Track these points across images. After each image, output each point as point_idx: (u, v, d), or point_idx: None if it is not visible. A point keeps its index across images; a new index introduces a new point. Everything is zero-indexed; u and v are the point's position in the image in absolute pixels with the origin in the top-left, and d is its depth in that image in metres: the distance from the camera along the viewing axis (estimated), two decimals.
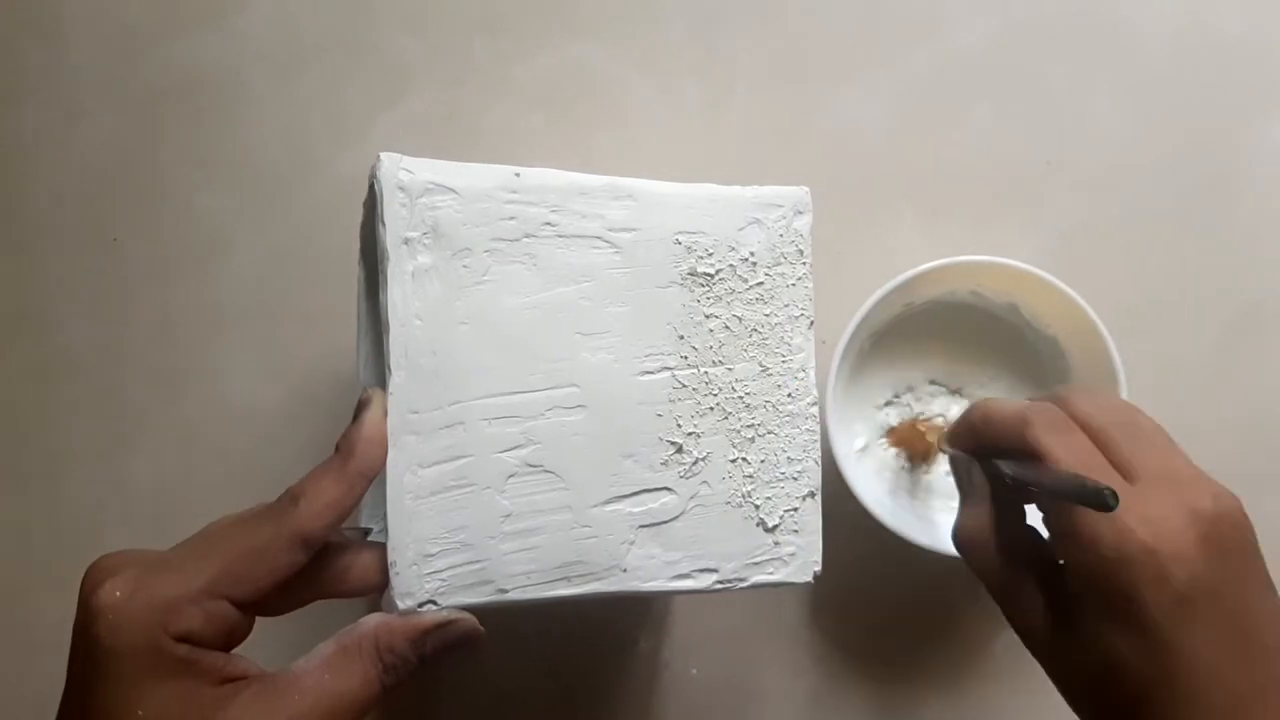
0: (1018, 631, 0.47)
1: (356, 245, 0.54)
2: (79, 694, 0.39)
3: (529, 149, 0.67)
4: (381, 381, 0.55)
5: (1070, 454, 0.44)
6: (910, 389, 0.65)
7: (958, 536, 0.49)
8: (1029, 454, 0.45)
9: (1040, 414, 0.46)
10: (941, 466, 0.65)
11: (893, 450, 0.65)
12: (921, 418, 0.66)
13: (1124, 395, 0.58)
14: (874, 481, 0.63)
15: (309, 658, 0.40)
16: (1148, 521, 0.41)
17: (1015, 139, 0.67)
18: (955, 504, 0.63)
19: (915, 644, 0.66)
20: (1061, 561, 0.46)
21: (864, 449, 0.64)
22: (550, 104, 0.68)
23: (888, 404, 0.65)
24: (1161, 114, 0.67)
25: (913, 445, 0.65)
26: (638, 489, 0.46)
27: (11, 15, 0.70)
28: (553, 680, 0.65)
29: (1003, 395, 0.65)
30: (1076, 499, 0.41)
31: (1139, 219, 0.66)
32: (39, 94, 0.69)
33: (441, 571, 0.42)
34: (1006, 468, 0.47)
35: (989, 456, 0.49)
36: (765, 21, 0.68)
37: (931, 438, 0.64)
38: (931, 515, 0.63)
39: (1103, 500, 0.39)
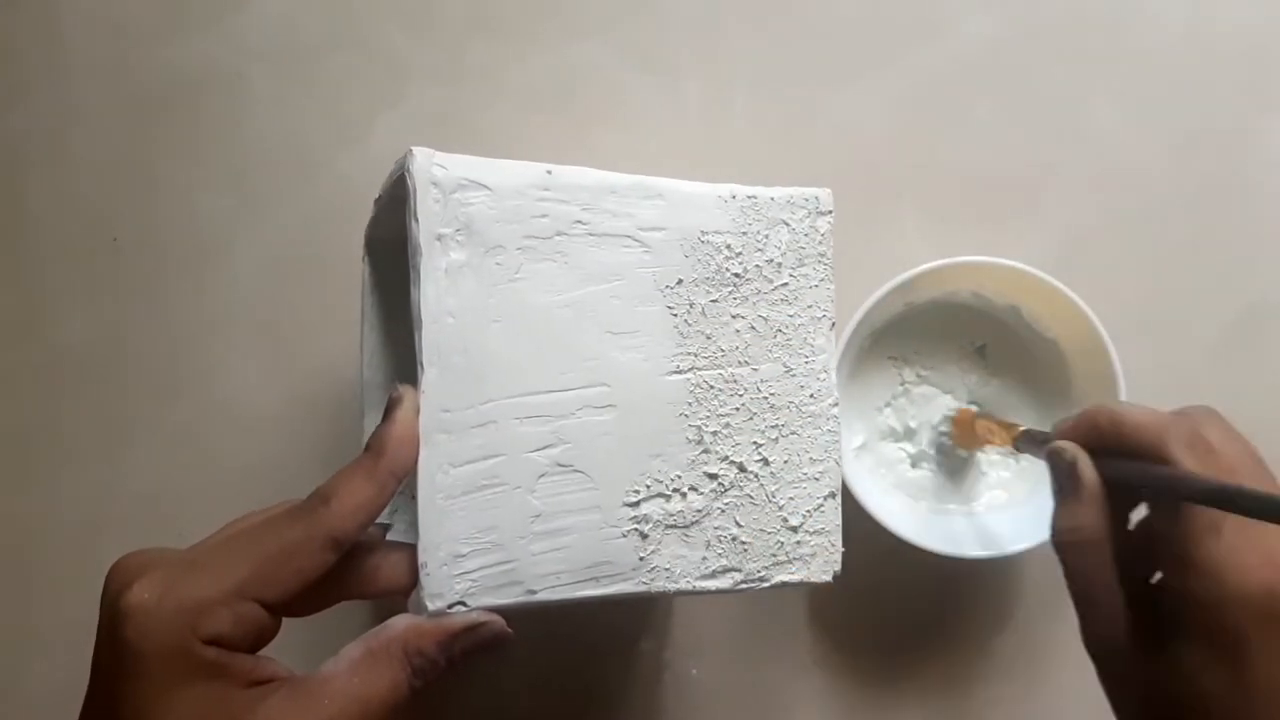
0: (1094, 643, 0.45)
1: (358, 244, 0.54)
2: (104, 696, 0.38)
3: (529, 149, 0.67)
4: (387, 379, 0.54)
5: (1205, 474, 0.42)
6: (907, 389, 0.66)
7: (1060, 533, 0.46)
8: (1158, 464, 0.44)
9: (1179, 428, 0.44)
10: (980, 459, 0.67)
11: (895, 446, 0.65)
12: (980, 412, 0.65)
13: (1123, 398, 0.59)
14: (872, 481, 0.63)
15: (337, 660, 0.40)
16: (1271, 562, 0.40)
17: (1016, 139, 0.68)
18: (950, 505, 0.64)
19: (915, 644, 0.66)
20: (1160, 580, 0.45)
21: (862, 447, 0.64)
22: (550, 104, 0.68)
23: (887, 405, 0.66)
24: (1162, 114, 0.68)
25: (968, 435, 0.64)
26: (665, 489, 0.46)
27: (11, 15, 0.69)
28: (553, 680, 0.64)
29: (1001, 398, 0.66)
30: (1237, 506, 0.39)
31: (1139, 220, 0.67)
32: (39, 94, 0.69)
33: (472, 572, 0.42)
34: (1138, 470, 0.44)
35: (1109, 455, 0.46)
36: (766, 21, 0.68)
37: (995, 436, 0.60)
38: (928, 515, 0.64)
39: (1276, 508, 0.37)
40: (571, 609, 0.45)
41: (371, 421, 0.54)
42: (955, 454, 0.65)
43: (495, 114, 0.68)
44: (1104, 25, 0.68)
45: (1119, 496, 0.46)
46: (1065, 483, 0.46)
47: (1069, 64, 0.68)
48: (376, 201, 0.50)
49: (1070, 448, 0.46)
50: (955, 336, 0.66)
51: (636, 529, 0.45)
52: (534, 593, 0.43)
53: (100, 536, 0.65)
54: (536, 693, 0.64)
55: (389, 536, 0.48)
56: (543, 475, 0.43)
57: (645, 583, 0.45)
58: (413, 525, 0.50)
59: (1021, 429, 0.56)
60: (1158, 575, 0.46)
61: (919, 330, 0.65)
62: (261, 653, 0.40)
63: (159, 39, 0.68)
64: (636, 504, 0.45)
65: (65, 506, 0.66)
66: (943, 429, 0.65)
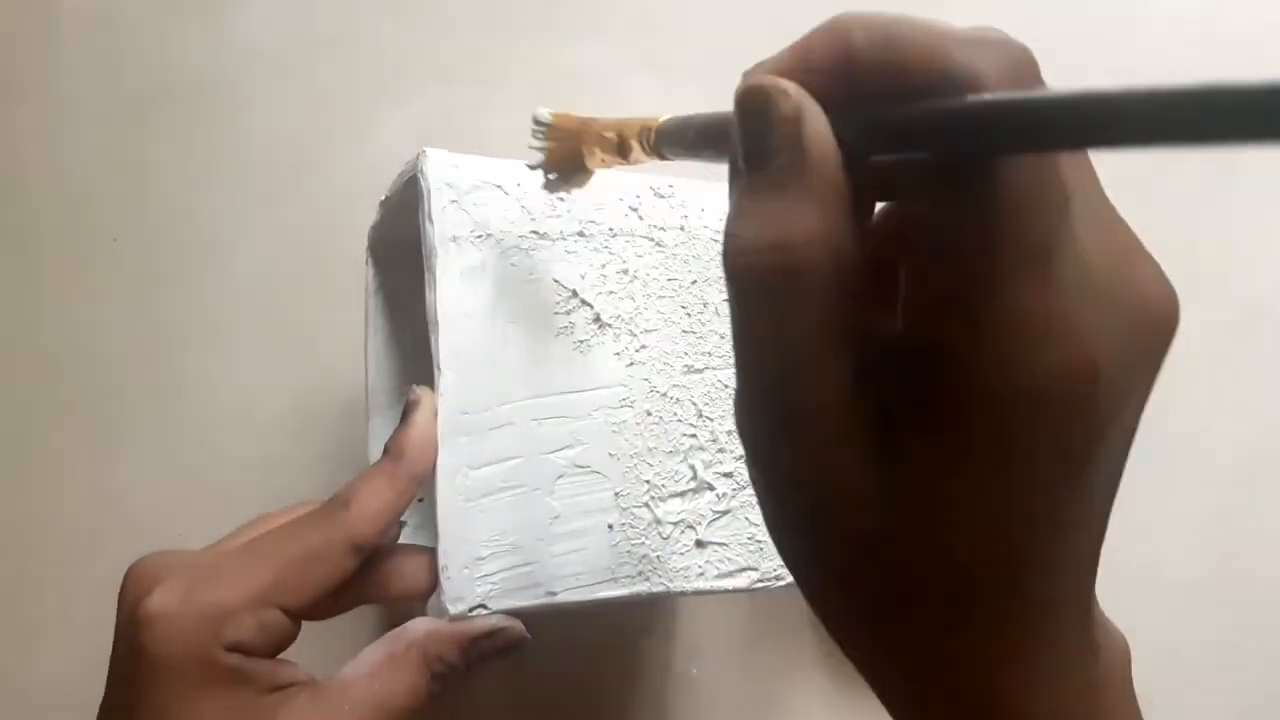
0: (767, 429, 0.27)
1: (359, 245, 0.54)
2: (123, 703, 0.38)
3: (528, 149, 0.67)
4: (392, 382, 0.54)
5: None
6: None
7: (750, 249, 0.25)
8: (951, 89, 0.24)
9: (978, 45, 0.24)
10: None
11: None
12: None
13: None
14: None
15: (356, 664, 0.40)
16: (1096, 322, 0.25)
17: None
18: None
19: None
20: (902, 326, 0.27)
21: None
22: (550, 104, 0.67)
23: None
24: None
25: (570, 151, 0.42)
26: (682, 489, 0.46)
27: (10, 15, 0.69)
28: (552, 680, 0.64)
29: None
30: (1219, 110, 0.19)
31: (1138, 219, 0.67)
32: (38, 93, 0.68)
33: (492, 575, 0.41)
34: (923, 113, 0.24)
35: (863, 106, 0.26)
36: (766, 22, 0.68)
37: (614, 142, 0.39)
38: None
39: None
40: (574, 609, 0.45)
41: (377, 425, 0.54)
42: (558, 185, 0.43)
43: (495, 114, 0.67)
44: (1103, 25, 0.68)
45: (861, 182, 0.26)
46: (773, 154, 0.25)
47: (1068, 64, 0.68)
48: (383, 203, 0.49)
49: (791, 88, 0.26)
50: None
51: (655, 529, 0.45)
52: (554, 594, 0.43)
53: (100, 537, 0.65)
54: (535, 692, 0.64)
55: (406, 535, 0.48)
56: (561, 476, 0.43)
57: (665, 583, 0.45)
58: (420, 527, 0.50)
59: (663, 118, 0.36)
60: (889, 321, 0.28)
61: None
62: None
63: (158, 38, 0.68)
64: (654, 504, 0.45)
65: (65, 507, 0.65)
66: (535, 143, 0.42)
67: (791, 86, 0.26)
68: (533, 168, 0.42)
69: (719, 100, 0.65)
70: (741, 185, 0.26)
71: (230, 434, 0.65)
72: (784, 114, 0.25)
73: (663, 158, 0.37)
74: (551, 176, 0.42)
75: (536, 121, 0.42)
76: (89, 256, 0.67)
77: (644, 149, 0.37)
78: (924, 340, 0.25)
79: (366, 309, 0.54)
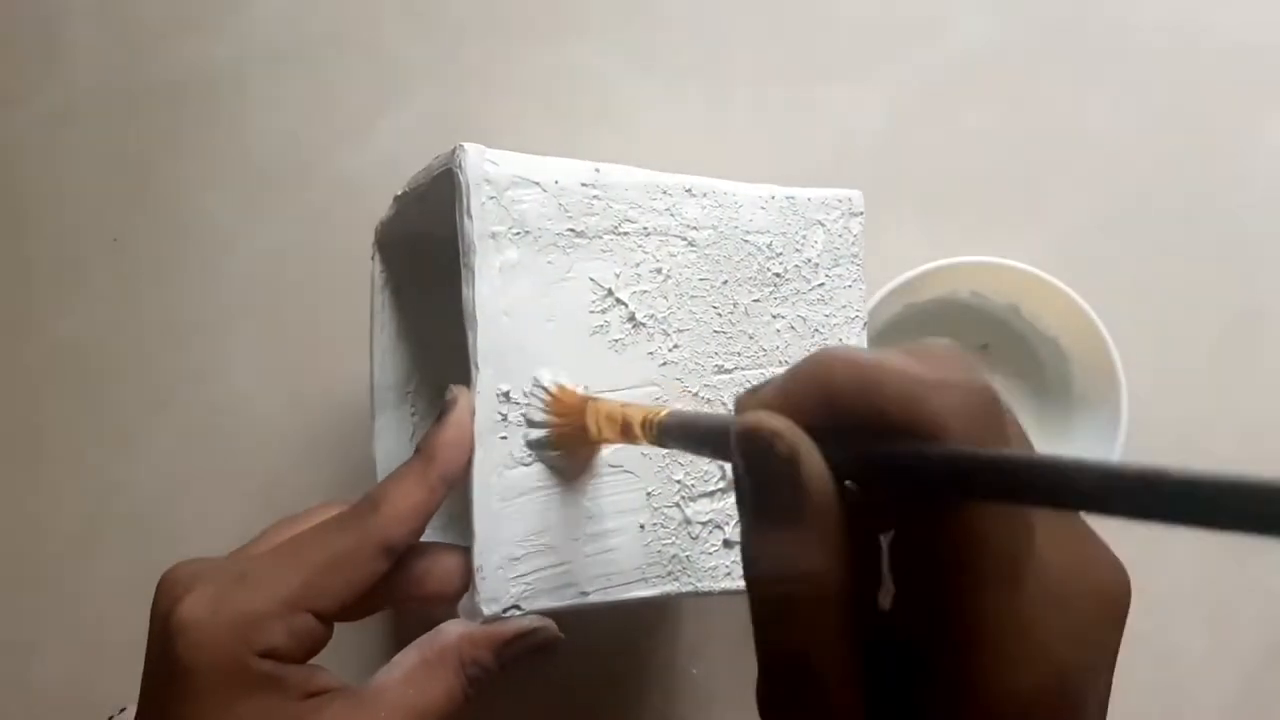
0: None
1: (360, 244, 0.53)
2: (158, 713, 0.37)
3: (529, 149, 0.67)
4: (399, 379, 0.54)
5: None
6: None
7: (764, 582, 0.27)
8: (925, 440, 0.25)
9: (946, 390, 0.25)
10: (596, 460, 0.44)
11: None
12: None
13: (1124, 398, 0.59)
14: None
15: (390, 669, 0.39)
16: (1078, 639, 0.27)
17: (1015, 139, 0.68)
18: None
19: None
20: (906, 635, 0.27)
21: None
22: (550, 104, 0.68)
23: None
24: (1161, 114, 0.68)
25: (573, 430, 0.42)
26: (711, 489, 0.46)
27: (11, 15, 0.68)
28: (551, 679, 0.64)
29: (1004, 397, 0.65)
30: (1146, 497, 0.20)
31: (1139, 219, 0.68)
32: (38, 93, 0.67)
33: (526, 575, 0.41)
34: (909, 458, 0.25)
35: (845, 438, 0.26)
36: (765, 21, 0.68)
37: (618, 427, 0.39)
38: None
39: None
40: (605, 609, 0.44)
41: (382, 422, 0.53)
42: (560, 460, 0.42)
43: (495, 114, 0.67)
44: (1103, 25, 0.69)
45: (859, 502, 0.27)
46: (776, 493, 0.26)
47: (1068, 64, 0.68)
48: (398, 198, 0.49)
49: (785, 429, 0.26)
50: (956, 337, 0.65)
51: (685, 529, 0.45)
52: (586, 595, 0.42)
53: (101, 536, 0.64)
54: (536, 691, 0.63)
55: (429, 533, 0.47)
56: (595, 476, 0.43)
57: (693, 583, 0.45)
58: (445, 528, 0.49)
59: (665, 411, 0.37)
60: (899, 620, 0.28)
61: (919, 331, 0.65)
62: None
63: (159, 39, 0.68)
64: (684, 504, 0.45)
65: (65, 506, 0.65)
66: (535, 423, 0.42)
67: (784, 425, 0.26)
68: (532, 443, 0.42)
69: (717, 101, 0.66)
70: (749, 517, 0.27)
71: (234, 433, 0.65)
72: (782, 455, 0.26)
73: (664, 446, 0.38)
74: (555, 453, 0.42)
75: (544, 391, 0.42)
76: (89, 256, 0.66)
77: (645, 435, 0.37)
78: (916, 648, 0.26)
79: (372, 305, 0.53)
